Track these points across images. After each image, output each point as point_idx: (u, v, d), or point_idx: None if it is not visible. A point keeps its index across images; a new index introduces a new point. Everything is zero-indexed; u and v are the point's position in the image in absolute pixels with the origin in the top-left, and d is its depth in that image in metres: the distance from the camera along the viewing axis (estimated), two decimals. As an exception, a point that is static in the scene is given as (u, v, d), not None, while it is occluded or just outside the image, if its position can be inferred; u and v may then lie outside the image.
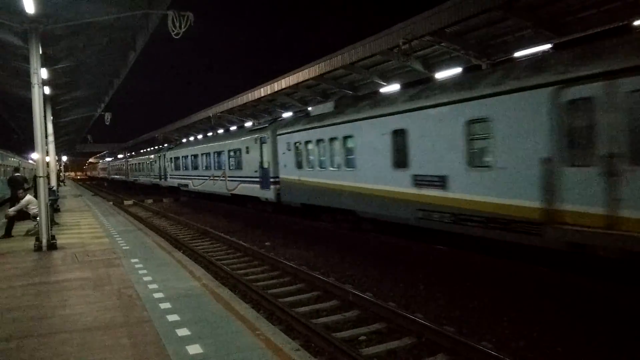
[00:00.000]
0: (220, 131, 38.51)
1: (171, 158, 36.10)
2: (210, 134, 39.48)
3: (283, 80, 23.36)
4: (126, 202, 32.01)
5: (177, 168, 34.60)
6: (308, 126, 15.85)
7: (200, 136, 41.34)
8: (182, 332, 5.51)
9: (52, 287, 7.85)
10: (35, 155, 12.73)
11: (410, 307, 7.83)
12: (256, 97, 26.89)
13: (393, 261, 11.10)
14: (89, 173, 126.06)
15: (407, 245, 12.30)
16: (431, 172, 10.48)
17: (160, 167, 39.66)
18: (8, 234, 13.62)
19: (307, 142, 15.94)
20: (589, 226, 7.27)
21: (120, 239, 12.93)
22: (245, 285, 9.41)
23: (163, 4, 11.74)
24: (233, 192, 22.99)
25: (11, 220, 13.85)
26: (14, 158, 32.36)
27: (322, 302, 8.49)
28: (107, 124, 29.74)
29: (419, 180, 10.83)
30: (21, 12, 10.34)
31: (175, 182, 35.01)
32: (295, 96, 25.88)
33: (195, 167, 29.59)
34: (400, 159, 11.37)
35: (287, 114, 26.56)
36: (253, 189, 20.47)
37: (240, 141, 21.99)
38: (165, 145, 45.20)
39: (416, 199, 10.90)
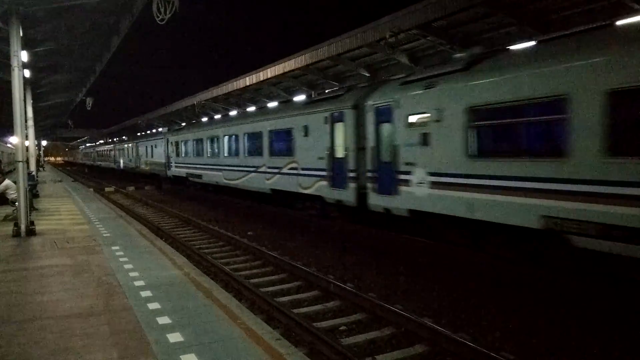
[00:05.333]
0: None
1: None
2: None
3: (269, 70, 23.19)
4: (107, 189, 31.67)
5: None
6: (129, 144, 44.40)
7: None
8: (163, 320, 5.52)
9: (30, 273, 7.77)
10: (14, 139, 12.48)
11: (390, 298, 7.93)
12: (241, 86, 26.69)
13: (375, 253, 11.21)
14: (72, 158, 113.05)
15: (389, 237, 12.44)
16: (158, 160, 33.53)
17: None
18: (-15, 219, 13.40)
19: (119, 149, 48.26)
20: (138, 166, 40.17)
21: (101, 226, 12.81)
22: (227, 275, 9.43)
23: (147, -12, 11.55)
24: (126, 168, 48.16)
25: (-12, 205, 13.62)
26: None
27: (304, 292, 8.56)
28: (89, 109, 29.31)
29: (151, 163, 36.61)
30: (1, -8, 10.09)
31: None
32: (281, 86, 25.77)
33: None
34: (148, 156, 37.63)
35: (272, 104, 26.87)
36: (126, 165, 46.51)
37: (131, 146, 45.08)
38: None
39: (148, 167, 36.95)
